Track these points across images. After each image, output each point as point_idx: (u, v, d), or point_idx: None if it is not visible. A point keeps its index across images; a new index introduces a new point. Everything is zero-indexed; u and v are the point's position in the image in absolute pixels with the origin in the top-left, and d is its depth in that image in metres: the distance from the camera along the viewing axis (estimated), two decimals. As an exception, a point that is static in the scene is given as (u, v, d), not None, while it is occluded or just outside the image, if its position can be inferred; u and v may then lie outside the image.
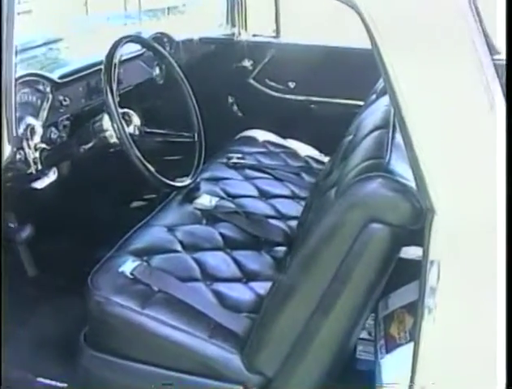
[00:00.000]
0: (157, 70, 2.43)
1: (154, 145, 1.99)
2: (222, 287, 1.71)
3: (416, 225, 1.26)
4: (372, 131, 1.60)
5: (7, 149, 1.44)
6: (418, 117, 1.14)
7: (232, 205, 2.11)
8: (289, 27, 2.94)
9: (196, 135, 2.01)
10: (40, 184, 1.91)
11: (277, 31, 2.91)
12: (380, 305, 1.78)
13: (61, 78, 1.95)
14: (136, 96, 2.31)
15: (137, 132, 1.83)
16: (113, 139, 1.73)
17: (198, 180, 2.10)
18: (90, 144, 1.77)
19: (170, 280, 1.67)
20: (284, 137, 2.71)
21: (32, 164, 1.81)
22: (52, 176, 1.93)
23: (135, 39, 2.01)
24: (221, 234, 1.94)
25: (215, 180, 2.27)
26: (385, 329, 1.69)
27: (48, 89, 1.90)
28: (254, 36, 2.96)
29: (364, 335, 1.84)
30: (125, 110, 1.81)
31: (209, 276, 1.75)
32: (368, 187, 1.30)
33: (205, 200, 2.08)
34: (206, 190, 2.15)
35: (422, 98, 1.13)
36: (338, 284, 1.36)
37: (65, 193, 2.20)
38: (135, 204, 2.82)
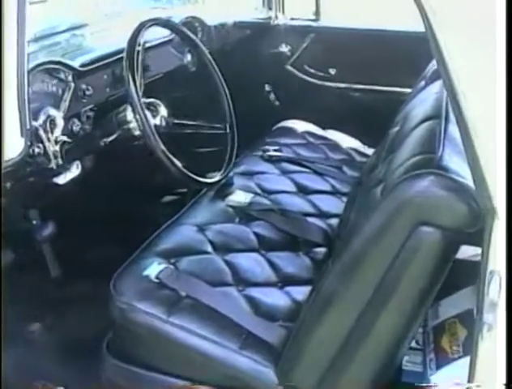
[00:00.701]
0: (188, 57, 2.34)
1: (183, 137, 1.91)
2: (255, 292, 1.63)
3: (472, 229, 1.15)
4: (422, 122, 1.48)
5: (20, 143, 1.36)
6: (476, 103, 1.02)
7: (267, 202, 2.02)
8: (330, 9, 2.81)
9: (228, 127, 1.91)
10: (62, 179, 1.85)
11: (317, 13, 2.78)
12: (429, 314, 1.67)
13: (84, 65, 1.87)
14: (166, 84, 2.23)
15: (164, 123, 1.74)
16: (138, 131, 1.65)
17: (231, 174, 2.01)
18: (113, 137, 1.70)
19: (199, 285, 1.59)
20: (324, 127, 2.61)
21: (52, 158, 1.74)
22: (75, 170, 1.88)
23: (161, 22, 1.91)
24: (255, 234, 1.85)
25: (250, 174, 2.18)
26: (435, 341, 1.57)
27: (69, 78, 1.83)
28: (292, 19, 2.84)
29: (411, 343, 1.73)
30: (151, 100, 1.73)
31: (241, 281, 1.66)
32: (418, 186, 1.18)
33: (238, 196, 1.99)
34: (239, 186, 2.06)
35: (481, 82, 1.01)
36: (384, 293, 1.26)
37: (89, 188, 2.13)
38: (167, 199, 2.74)
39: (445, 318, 1.61)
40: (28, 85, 1.37)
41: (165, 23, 1.96)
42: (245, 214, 1.93)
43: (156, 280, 1.58)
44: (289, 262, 1.76)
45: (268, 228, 1.87)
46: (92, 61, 1.91)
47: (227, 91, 1.95)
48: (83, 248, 2.25)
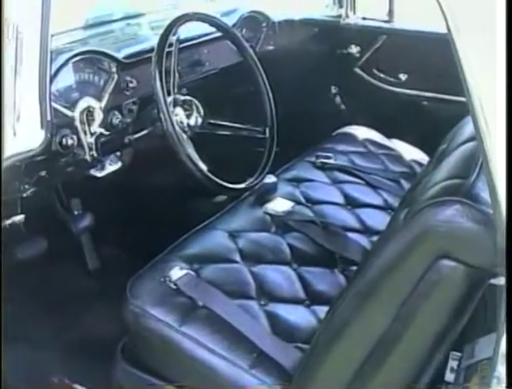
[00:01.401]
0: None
1: (220, 139, 1.87)
2: (278, 308, 1.58)
3: (500, 268, 1.06)
4: (465, 141, 1.39)
5: (40, 134, 1.36)
6: (494, 118, 0.93)
7: (309, 212, 1.95)
8: (404, 10, 2.71)
9: (268, 131, 1.86)
10: (100, 172, 1.86)
11: (390, 14, 2.66)
12: (465, 351, 1.56)
13: (128, 57, 1.87)
14: (218, 81, 2.20)
15: (199, 123, 1.71)
16: None
17: (274, 180, 1.96)
18: (143, 132, 1.68)
19: (216, 295, 1.55)
20: (389, 136, 2.50)
21: (87, 150, 1.75)
22: (115, 164, 1.88)
23: (195, 17, 1.85)
24: (289, 245, 1.79)
25: (297, 181, 2.12)
26: (464, 382, 1.47)
27: (113, 69, 1.84)
28: (364, 19, 2.74)
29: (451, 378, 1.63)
30: (187, 98, 1.70)
31: (265, 294, 1.61)
32: (440, 214, 1.09)
33: (277, 205, 1.93)
34: (282, 193, 2.00)
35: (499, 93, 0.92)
36: (398, 328, 1.18)
37: (134, 183, 2.14)
38: (219, 199, 2.72)
39: (479, 358, 1.50)
40: (51, 79, 1.37)
41: (203, 18, 1.90)
42: (282, 223, 1.87)
43: (174, 286, 1.56)
44: (321, 279, 1.70)
45: (304, 240, 1.81)
46: (138, 54, 1.91)
47: (270, 93, 1.90)
48: (123, 242, 2.26)
